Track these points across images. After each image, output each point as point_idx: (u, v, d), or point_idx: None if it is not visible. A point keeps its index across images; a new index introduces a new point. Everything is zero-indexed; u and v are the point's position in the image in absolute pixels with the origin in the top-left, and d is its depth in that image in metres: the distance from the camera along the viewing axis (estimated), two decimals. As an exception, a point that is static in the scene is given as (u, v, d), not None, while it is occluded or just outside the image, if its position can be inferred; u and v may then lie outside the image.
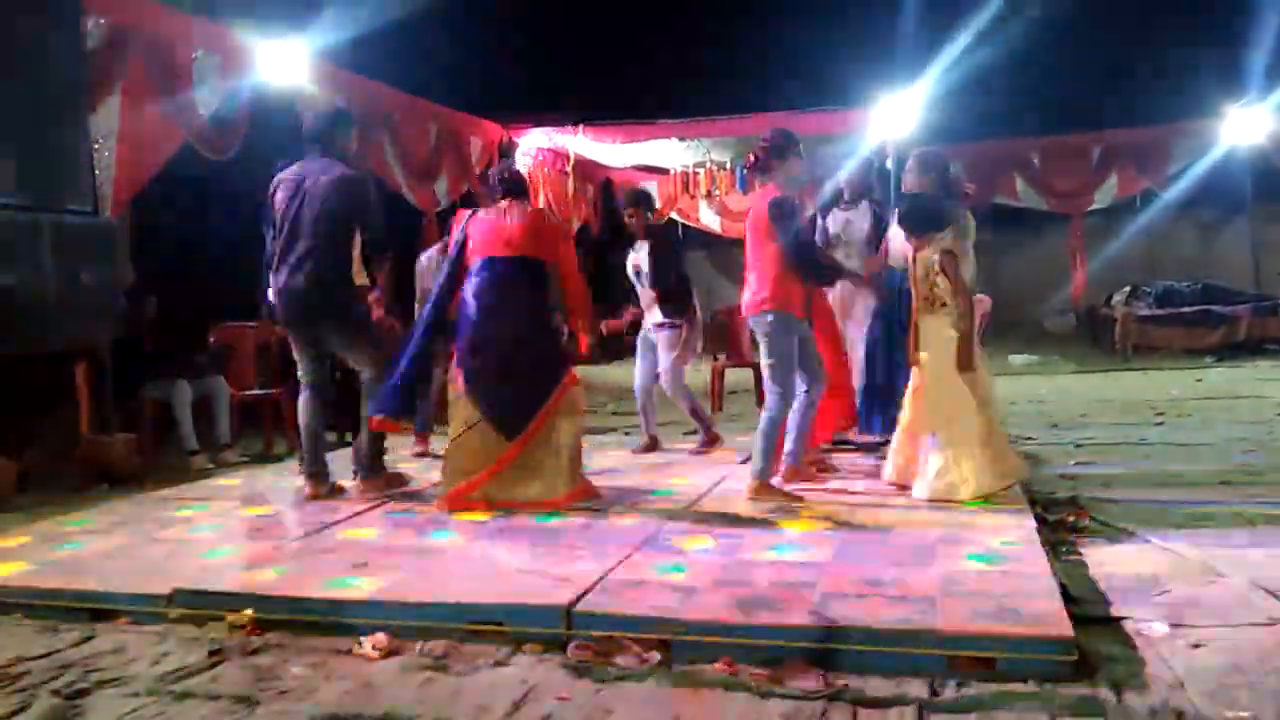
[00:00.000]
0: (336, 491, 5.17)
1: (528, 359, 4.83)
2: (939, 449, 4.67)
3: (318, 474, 5.16)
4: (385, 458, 5.34)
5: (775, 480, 4.89)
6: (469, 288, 4.89)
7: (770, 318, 4.81)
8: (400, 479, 5.34)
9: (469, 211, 5.16)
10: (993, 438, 4.72)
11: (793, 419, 4.93)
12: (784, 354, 4.84)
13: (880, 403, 5.60)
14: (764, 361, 4.90)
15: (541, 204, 10.41)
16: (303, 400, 5.23)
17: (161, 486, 5.70)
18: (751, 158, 5.03)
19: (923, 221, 4.83)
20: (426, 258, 6.66)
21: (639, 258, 6.31)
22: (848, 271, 5.55)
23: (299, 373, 5.26)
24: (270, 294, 5.10)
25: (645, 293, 6.32)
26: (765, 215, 4.82)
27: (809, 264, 4.91)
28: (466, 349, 4.86)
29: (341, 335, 5.09)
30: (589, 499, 4.84)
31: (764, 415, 4.90)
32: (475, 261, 4.91)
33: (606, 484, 5.15)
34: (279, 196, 5.04)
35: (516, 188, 5.09)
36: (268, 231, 5.11)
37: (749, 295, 4.93)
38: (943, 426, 4.68)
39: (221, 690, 2.82)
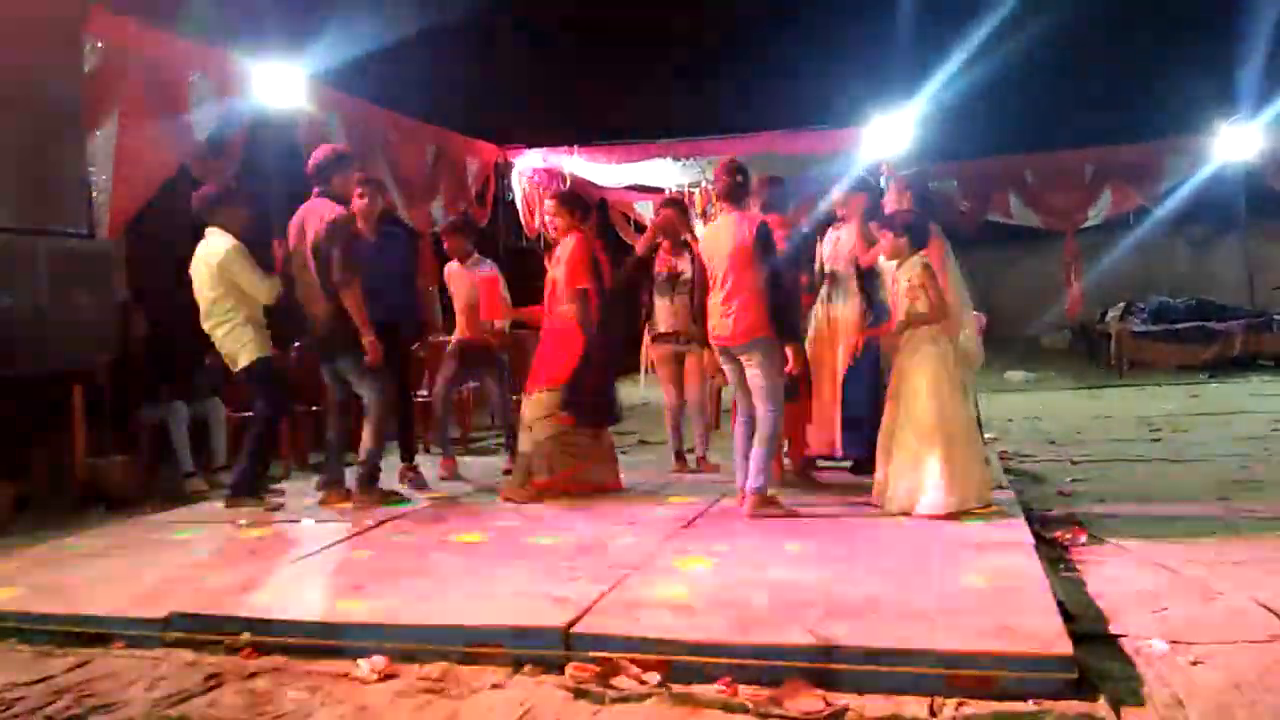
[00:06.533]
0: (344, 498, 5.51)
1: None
2: (923, 463, 4.70)
3: (334, 482, 5.58)
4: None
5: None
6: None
7: (762, 343, 4.87)
8: (397, 495, 5.61)
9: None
10: (972, 455, 4.79)
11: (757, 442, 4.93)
12: (776, 375, 4.88)
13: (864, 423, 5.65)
14: (758, 383, 4.91)
15: (537, 225, 10.43)
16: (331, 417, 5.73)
17: (158, 509, 5.70)
18: (723, 186, 5.05)
19: (920, 236, 4.94)
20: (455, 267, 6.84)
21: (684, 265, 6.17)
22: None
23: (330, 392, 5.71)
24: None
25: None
26: (752, 240, 4.85)
27: (786, 293, 4.98)
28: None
29: (352, 367, 5.48)
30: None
31: (760, 432, 4.91)
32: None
33: (606, 502, 5.22)
34: (291, 235, 5.45)
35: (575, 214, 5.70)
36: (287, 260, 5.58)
37: (733, 323, 4.93)
38: (922, 443, 4.72)
39: (218, 715, 2.82)
